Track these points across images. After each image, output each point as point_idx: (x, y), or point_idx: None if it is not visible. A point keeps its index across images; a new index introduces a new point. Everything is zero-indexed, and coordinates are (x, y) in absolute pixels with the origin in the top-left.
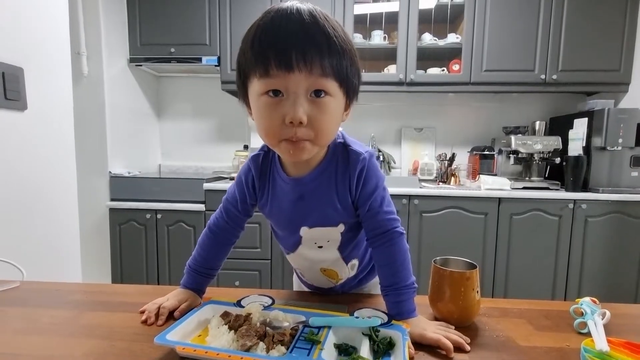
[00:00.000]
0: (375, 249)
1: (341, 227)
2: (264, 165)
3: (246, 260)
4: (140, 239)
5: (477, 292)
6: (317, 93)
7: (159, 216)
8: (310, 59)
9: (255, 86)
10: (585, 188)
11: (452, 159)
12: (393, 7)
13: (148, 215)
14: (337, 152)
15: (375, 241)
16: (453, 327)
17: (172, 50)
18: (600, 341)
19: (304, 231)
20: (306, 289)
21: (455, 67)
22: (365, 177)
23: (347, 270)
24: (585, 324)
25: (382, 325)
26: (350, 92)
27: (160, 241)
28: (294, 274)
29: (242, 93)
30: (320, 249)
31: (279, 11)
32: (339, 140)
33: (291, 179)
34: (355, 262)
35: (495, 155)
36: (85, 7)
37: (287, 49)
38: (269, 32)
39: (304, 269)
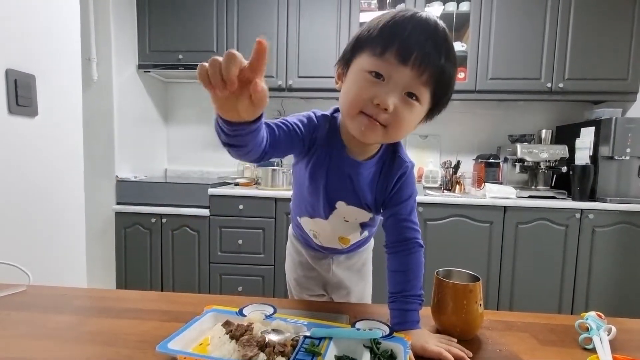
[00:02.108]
0: (392, 255)
1: (370, 215)
2: (330, 129)
3: (249, 265)
4: (145, 242)
5: (480, 304)
6: (410, 95)
7: (164, 220)
8: (425, 65)
9: (364, 61)
10: (592, 198)
11: (457, 167)
12: None
13: (153, 220)
14: (388, 154)
15: (395, 246)
16: (455, 340)
17: (180, 56)
18: (605, 358)
19: (340, 205)
20: (301, 250)
21: (461, 75)
22: (402, 183)
23: (358, 237)
24: (590, 340)
25: (383, 337)
26: (435, 110)
27: (164, 245)
28: (291, 259)
29: (344, 61)
30: (346, 222)
31: (414, 15)
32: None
33: (350, 159)
34: (367, 232)
35: (501, 164)
36: (97, 14)
37: (412, 45)
38: (403, 25)
39: (323, 232)
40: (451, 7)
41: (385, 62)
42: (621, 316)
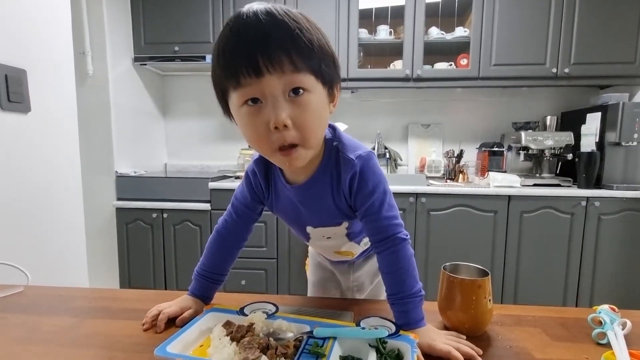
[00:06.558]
0: (378, 255)
1: (345, 224)
2: (266, 167)
3: (252, 259)
4: (147, 238)
5: (489, 300)
6: (295, 91)
7: (165, 215)
8: (278, 58)
9: (234, 99)
10: (598, 185)
11: (460, 156)
12: (399, 0)
13: (154, 215)
14: (332, 158)
15: (378, 247)
16: (464, 337)
17: (176, 48)
18: (621, 354)
19: (310, 229)
20: (328, 265)
21: (463, 62)
22: (358, 182)
23: (361, 248)
24: (604, 335)
25: (389, 336)
26: (329, 81)
27: (166, 240)
28: (310, 271)
29: (224, 109)
30: (329, 239)
31: (237, 19)
32: (334, 143)
33: (290, 186)
34: (366, 239)
35: (505, 152)
36: (90, 7)
37: (251, 54)
38: (231, 42)
39: (322, 252)
40: None
41: (247, 87)
42: (628, 305)
